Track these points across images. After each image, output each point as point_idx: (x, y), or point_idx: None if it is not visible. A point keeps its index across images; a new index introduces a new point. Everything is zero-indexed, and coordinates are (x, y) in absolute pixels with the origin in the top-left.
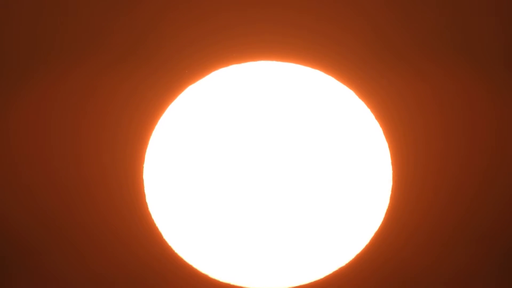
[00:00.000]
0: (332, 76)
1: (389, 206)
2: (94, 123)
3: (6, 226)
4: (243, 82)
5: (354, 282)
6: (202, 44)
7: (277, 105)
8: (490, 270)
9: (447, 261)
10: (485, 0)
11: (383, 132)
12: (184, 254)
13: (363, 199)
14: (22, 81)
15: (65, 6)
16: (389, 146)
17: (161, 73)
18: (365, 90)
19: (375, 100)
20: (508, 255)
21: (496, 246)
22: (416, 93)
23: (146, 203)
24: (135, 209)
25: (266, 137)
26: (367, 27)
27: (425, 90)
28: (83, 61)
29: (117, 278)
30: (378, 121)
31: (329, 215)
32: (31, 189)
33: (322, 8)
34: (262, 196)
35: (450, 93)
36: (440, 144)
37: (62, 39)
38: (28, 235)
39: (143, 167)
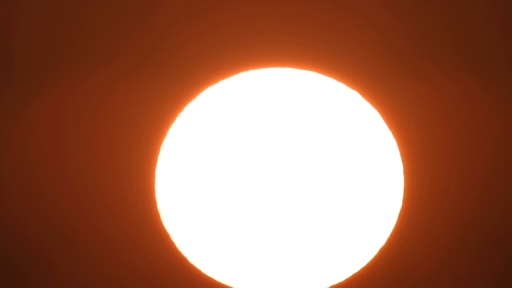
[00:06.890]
0: (340, 80)
1: (401, 209)
2: (109, 127)
3: (19, 227)
4: (257, 89)
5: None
6: (215, 52)
7: (288, 110)
8: (498, 272)
9: (455, 263)
10: (485, 7)
11: (393, 136)
12: (193, 258)
13: (374, 204)
14: (39, 86)
15: (83, 13)
16: (400, 149)
17: (176, 79)
18: (374, 95)
19: (383, 103)
20: None
21: (503, 248)
22: (421, 95)
23: (156, 207)
24: (146, 213)
25: (278, 142)
26: (375, 36)
27: (429, 93)
28: (98, 67)
29: (127, 280)
30: (387, 123)
31: (340, 220)
32: (45, 192)
33: (330, 18)
34: (272, 201)
35: (453, 95)
36: (446, 145)
37: (79, 45)
38: (40, 236)
39: (155, 171)
